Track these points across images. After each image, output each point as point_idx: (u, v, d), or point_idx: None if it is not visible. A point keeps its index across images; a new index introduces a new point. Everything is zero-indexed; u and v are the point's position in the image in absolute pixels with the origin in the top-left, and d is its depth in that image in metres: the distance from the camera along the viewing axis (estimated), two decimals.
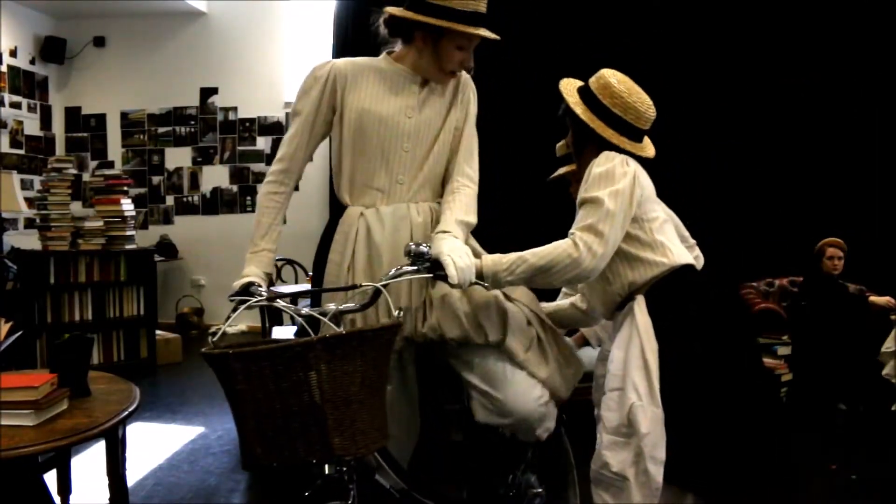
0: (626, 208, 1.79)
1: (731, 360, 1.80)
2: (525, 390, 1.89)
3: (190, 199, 7.18)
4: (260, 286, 1.83)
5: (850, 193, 4.77)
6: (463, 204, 1.93)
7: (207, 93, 7.12)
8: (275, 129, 7.05)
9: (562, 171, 2.63)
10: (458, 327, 1.87)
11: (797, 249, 4.65)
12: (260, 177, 7.07)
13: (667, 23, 5.61)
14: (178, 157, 7.20)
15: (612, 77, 1.93)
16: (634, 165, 1.86)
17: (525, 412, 1.88)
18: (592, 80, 1.96)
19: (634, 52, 5.26)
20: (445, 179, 2.02)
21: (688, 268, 1.87)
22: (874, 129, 3.60)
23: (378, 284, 1.68)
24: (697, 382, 1.75)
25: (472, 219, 1.93)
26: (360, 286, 1.78)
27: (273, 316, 3.92)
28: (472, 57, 1.95)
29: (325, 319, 1.60)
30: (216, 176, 7.14)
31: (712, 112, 5.34)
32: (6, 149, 6.50)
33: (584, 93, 1.95)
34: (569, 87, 1.99)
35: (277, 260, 4.80)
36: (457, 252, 1.72)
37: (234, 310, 1.68)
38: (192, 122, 7.17)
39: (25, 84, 6.80)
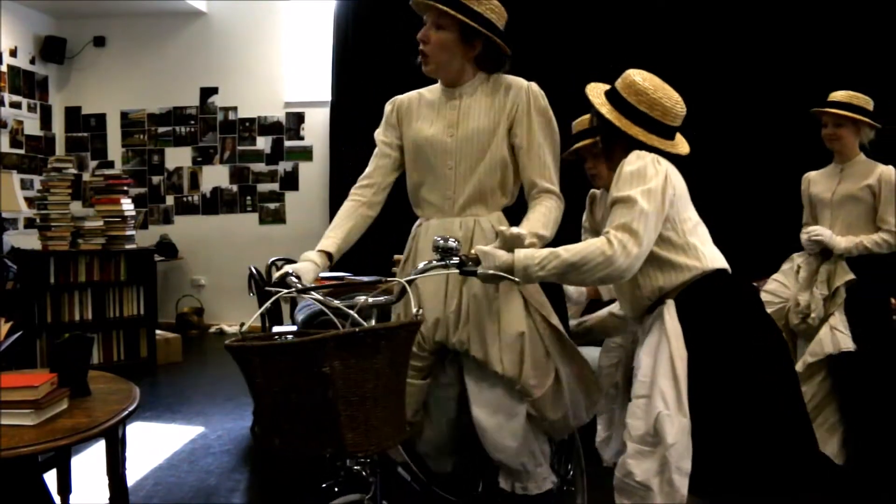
0: (659, 208, 1.74)
1: (764, 370, 1.73)
2: (514, 439, 1.98)
3: (190, 198, 7.18)
4: (298, 278, 1.84)
5: None
6: (540, 215, 1.96)
7: (207, 93, 7.13)
8: (275, 129, 7.05)
9: (577, 146, 2.62)
10: (481, 348, 1.94)
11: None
12: (260, 177, 7.08)
13: (670, 24, 5.62)
14: (178, 157, 7.20)
15: (636, 75, 1.89)
16: (666, 164, 1.81)
17: (511, 463, 2.01)
18: (618, 81, 1.92)
19: (636, 53, 5.27)
20: (504, 192, 2.05)
21: (721, 272, 1.82)
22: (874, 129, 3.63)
23: (403, 280, 1.71)
24: (727, 392, 1.69)
25: (546, 232, 1.92)
26: (387, 280, 1.86)
27: (273, 315, 3.92)
28: (435, 35, 1.96)
29: (353, 313, 1.63)
30: (216, 176, 7.15)
31: (711, 112, 5.35)
32: (6, 148, 6.50)
33: (611, 94, 1.91)
34: (595, 90, 1.95)
35: (277, 260, 4.81)
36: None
37: (271, 300, 1.71)
38: (192, 122, 7.17)
39: (25, 84, 6.81)
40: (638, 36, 5.53)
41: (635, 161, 1.78)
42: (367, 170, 2.18)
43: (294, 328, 3.67)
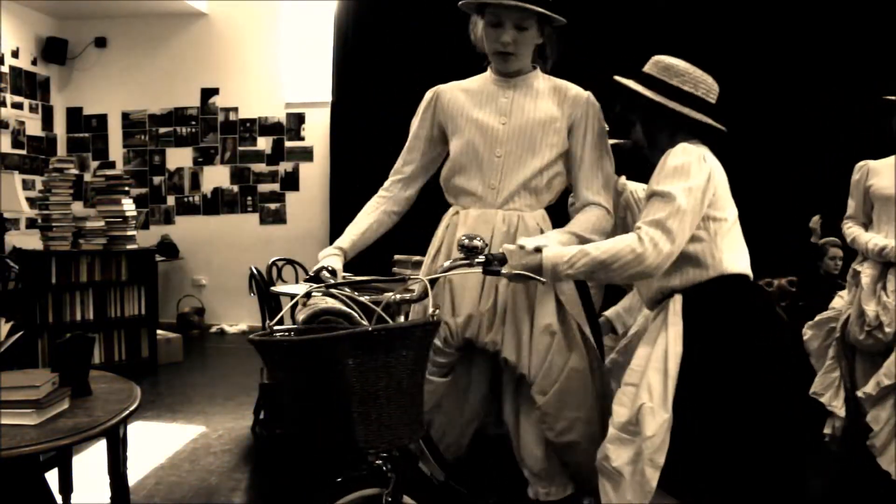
0: (697, 206, 1.70)
1: (759, 381, 1.70)
2: (539, 444, 1.98)
3: (191, 199, 7.20)
4: (333, 272, 1.86)
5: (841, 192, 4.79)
6: (584, 219, 1.93)
7: (208, 93, 7.14)
8: (275, 130, 7.06)
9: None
10: (515, 352, 1.93)
11: (795, 249, 4.65)
12: (260, 177, 7.09)
13: (669, 23, 5.63)
14: (178, 158, 7.21)
15: (669, 59, 1.85)
16: (711, 163, 1.77)
17: (534, 469, 2.01)
18: (650, 68, 1.86)
19: (636, 53, 5.28)
20: (549, 190, 2.01)
21: (737, 277, 1.77)
22: (872, 128, 3.62)
23: (425, 278, 1.68)
24: (716, 396, 1.68)
25: (590, 235, 1.89)
26: (409, 278, 1.86)
27: (273, 315, 3.92)
28: (519, 35, 1.91)
29: (378, 309, 1.65)
30: (217, 176, 7.16)
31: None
32: (8, 149, 6.52)
33: (647, 81, 1.84)
34: (624, 81, 1.88)
35: (278, 260, 4.82)
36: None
37: (307, 296, 1.73)
38: (193, 123, 7.18)
39: (27, 84, 6.82)
40: (638, 36, 5.53)
41: (681, 155, 1.73)
42: (397, 164, 2.14)
43: (294, 327, 3.67)
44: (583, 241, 1.85)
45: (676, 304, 1.75)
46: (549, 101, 1.99)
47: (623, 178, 2.55)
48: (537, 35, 1.97)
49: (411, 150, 2.12)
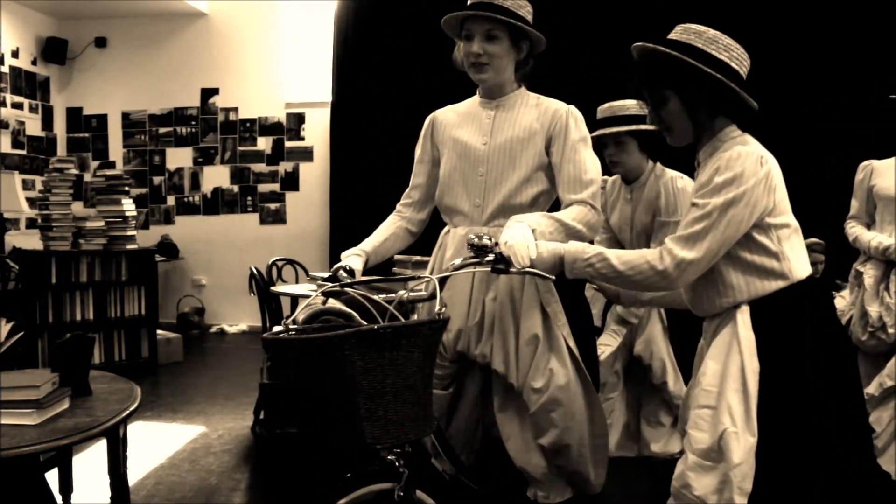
0: (739, 219, 1.58)
1: (836, 391, 1.62)
2: (537, 451, 2.01)
3: (191, 199, 7.20)
4: (351, 271, 1.90)
5: (840, 191, 4.79)
6: (565, 211, 1.92)
7: (208, 93, 7.14)
8: (275, 130, 7.06)
9: (599, 132, 2.60)
10: (503, 363, 1.98)
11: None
12: (260, 177, 7.09)
13: (669, 22, 5.63)
14: (178, 158, 7.22)
15: (709, 29, 1.67)
16: (769, 166, 1.63)
17: (532, 474, 2.03)
18: (692, 39, 1.66)
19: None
20: (534, 208, 2.01)
21: (804, 283, 1.66)
22: (872, 128, 3.63)
23: (434, 277, 1.71)
24: (795, 412, 1.58)
25: (574, 224, 1.89)
26: (417, 278, 1.91)
27: (273, 315, 3.93)
28: (489, 46, 1.96)
29: (391, 308, 1.68)
30: (217, 176, 7.16)
31: None
32: (8, 149, 6.52)
33: (688, 52, 1.64)
34: (649, 48, 1.70)
35: (278, 260, 4.82)
36: (510, 233, 1.71)
37: (326, 295, 1.77)
38: (193, 123, 7.18)
39: (27, 85, 6.82)
40: (636, 36, 5.54)
41: (735, 166, 1.59)
42: (406, 190, 2.23)
43: (295, 327, 3.67)
44: (565, 226, 1.87)
45: (744, 315, 1.64)
46: (530, 118, 2.03)
47: (659, 165, 2.62)
48: (511, 48, 2.00)
49: (416, 175, 2.21)
